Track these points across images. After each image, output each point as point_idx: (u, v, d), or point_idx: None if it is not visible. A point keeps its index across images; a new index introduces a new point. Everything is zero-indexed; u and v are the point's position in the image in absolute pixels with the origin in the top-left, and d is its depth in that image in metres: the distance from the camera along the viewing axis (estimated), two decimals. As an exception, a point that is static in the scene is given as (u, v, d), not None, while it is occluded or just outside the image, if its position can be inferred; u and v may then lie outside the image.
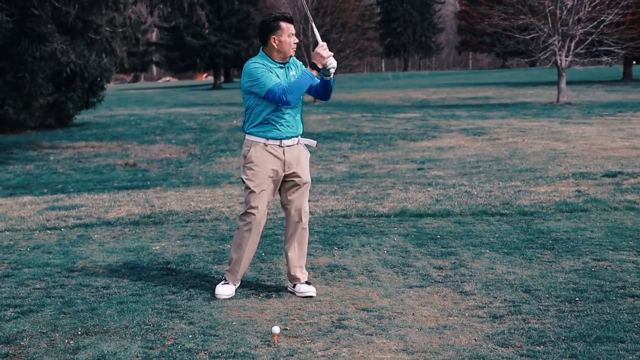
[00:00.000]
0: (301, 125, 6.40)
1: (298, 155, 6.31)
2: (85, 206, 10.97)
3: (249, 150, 6.24)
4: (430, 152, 18.14)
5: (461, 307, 5.95)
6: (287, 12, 6.27)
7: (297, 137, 6.31)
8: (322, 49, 6.13)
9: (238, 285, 6.46)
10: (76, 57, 21.13)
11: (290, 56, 6.27)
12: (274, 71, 6.15)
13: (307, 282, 6.43)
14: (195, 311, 5.93)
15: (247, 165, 6.26)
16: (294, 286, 6.41)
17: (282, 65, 6.22)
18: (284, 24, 6.16)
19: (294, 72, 6.27)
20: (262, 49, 6.24)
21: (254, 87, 6.11)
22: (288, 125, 6.23)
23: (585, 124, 23.21)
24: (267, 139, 6.19)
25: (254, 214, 6.24)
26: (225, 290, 6.30)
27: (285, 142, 6.22)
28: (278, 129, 6.19)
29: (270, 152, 6.20)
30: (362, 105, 38.60)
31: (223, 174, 16.52)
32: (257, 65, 6.14)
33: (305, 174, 6.37)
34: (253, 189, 6.22)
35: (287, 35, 6.15)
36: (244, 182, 6.28)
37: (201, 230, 9.10)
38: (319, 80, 6.25)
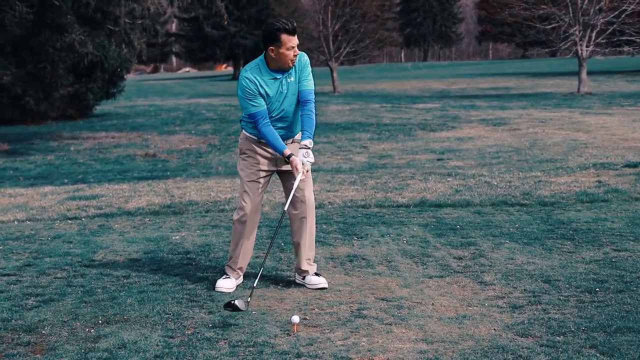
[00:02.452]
0: (297, 128, 6.31)
1: (293, 151, 6.20)
2: (105, 196, 11.03)
3: (242, 143, 6.32)
4: (450, 143, 18.09)
5: (481, 297, 5.94)
6: (290, 22, 5.95)
7: (290, 139, 6.29)
8: (302, 172, 6.03)
9: (240, 280, 6.45)
10: (94, 48, 21.23)
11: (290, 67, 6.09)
12: (263, 88, 6.02)
13: (317, 274, 6.42)
14: (215, 300, 5.95)
15: (241, 156, 6.34)
16: (304, 278, 6.40)
17: (278, 77, 6.05)
18: (284, 36, 5.90)
19: (292, 79, 6.10)
20: (263, 53, 6.11)
21: (240, 101, 6.13)
22: (281, 129, 6.20)
23: (606, 115, 23.07)
24: (258, 139, 6.21)
25: (246, 206, 6.26)
26: (225, 283, 6.28)
27: None
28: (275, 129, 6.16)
29: (263, 147, 6.24)
30: (382, 95, 38.54)
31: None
32: (246, 84, 6.01)
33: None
34: (244, 178, 6.28)
35: (286, 48, 5.93)
36: (239, 173, 6.36)
37: (221, 220, 9.13)
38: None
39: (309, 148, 6.07)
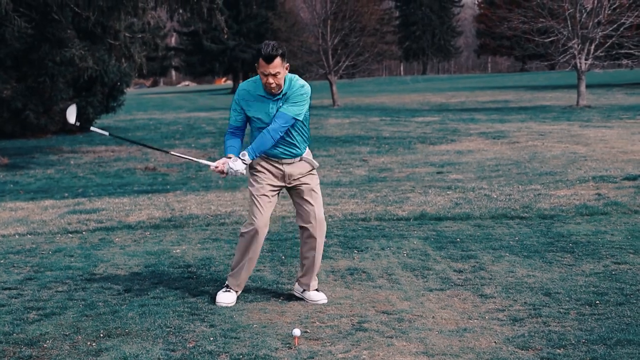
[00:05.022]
0: (303, 146, 6.30)
1: (301, 168, 6.30)
2: (106, 210, 11.04)
3: (253, 163, 6.30)
4: (450, 156, 18.11)
5: (481, 310, 5.95)
6: (271, 49, 5.88)
7: (297, 157, 6.29)
8: (216, 165, 6.13)
9: (240, 292, 6.45)
10: (94, 63, 21.28)
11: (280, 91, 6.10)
12: (254, 104, 6.10)
13: (316, 290, 6.43)
14: (216, 314, 5.97)
15: (250, 172, 6.35)
16: (303, 291, 6.40)
17: (268, 97, 6.09)
18: (260, 61, 5.92)
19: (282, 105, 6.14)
20: None
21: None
22: (284, 148, 6.22)
23: (605, 127, 23.11)
24: (267, 156, 6.25)
25: (256, 221, 6.23)
26: (227, 298, 6.28)
27: (284, 160, 6.24)
28: (275, 149, 6.19)
29: (271, 164, 6.27)
30: (381, 109, 38.59)
31: (242, 178, 16.55)
32: (237, 94, 6.18)
33: (310, 179, 6.34)
34: (254, 192, 6.26)
35: (261, 72, 5.97)
36: (250, 189, 6.34)
37: (221, 234, 9.15)
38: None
39: (242, 159, 6.05)
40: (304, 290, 6.39)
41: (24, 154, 23.39)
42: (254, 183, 6.32)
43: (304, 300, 6.32)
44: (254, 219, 6.25)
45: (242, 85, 6.23)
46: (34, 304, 6.31)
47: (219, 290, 6.41)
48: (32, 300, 6.45)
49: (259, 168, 6.29)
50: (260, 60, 5.92)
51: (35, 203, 12.52)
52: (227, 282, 6.42)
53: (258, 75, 6.13)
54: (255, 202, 6.26)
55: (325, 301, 6.30)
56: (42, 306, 6.25)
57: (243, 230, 6.33)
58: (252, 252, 6.31)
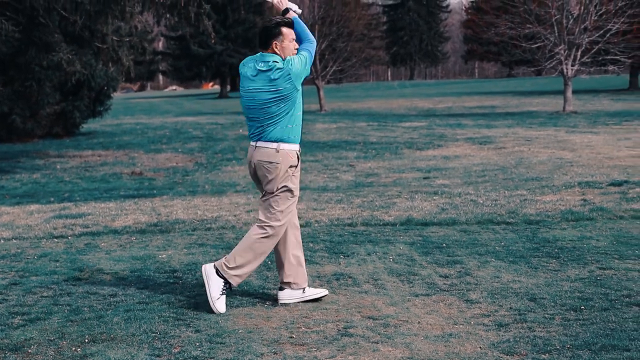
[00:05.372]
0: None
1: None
2: (92, 214, 11.01)
3: (288, 160, 6.15)
4: (436, 161, 18.15)
5: (467, 315, 5.96)
6: (287, 18, 6.27)
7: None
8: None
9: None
10: (82, 67, 21.24)
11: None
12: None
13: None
14: (201, 319, 5.96)
15: (295, 174, 6.25)
16: (304, 290, 6.39)
17: None
18: (285, 29, 6.17)
19: None
20: (262, 52, 6.21)
21: (305, 73, 6.18)
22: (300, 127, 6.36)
23: (592, 133, 23.21)
24: (297, 143, 6.27)
25: (285, 225, 6.25)
26: (224, 305, 6.18)
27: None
28: (298, 132, 6.27)
29: (299, 159, 6.30)
30: (368, 114, 38.63)
31: (229, 182, 16.55)
32: (286, 61, 6.08)
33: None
34: (296, 194, 6.28)
35: (289, 41, 6.19)
36: (289, 191, 6.20)
37: (207, 239, 9.13)
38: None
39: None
40: (304, 289, 6.38)
41: (9, 158, 23.31)
42: (295, 184, 6.26)
43: (290, 306, 6.30)
44: (283, 223, 6.23)
45: (271, 59, 6.12)
46: (19, 309, 6.29)
47: (218, 295, 6.15)
48: (16, 305, 6.43)
49: (294, 170, 6.22)
50: (285, 30, 6.17)
51: (20, 207, 12.47)
52: (228, 282, 6.19)
53: (263, 58, 6.14)
54: (291, 204, 6.25)
55: (326, 292, 6.43)
56: (26, 311, 6.22)
57: (272, 232, 6.20)
58: (265, 256, 6.32)
